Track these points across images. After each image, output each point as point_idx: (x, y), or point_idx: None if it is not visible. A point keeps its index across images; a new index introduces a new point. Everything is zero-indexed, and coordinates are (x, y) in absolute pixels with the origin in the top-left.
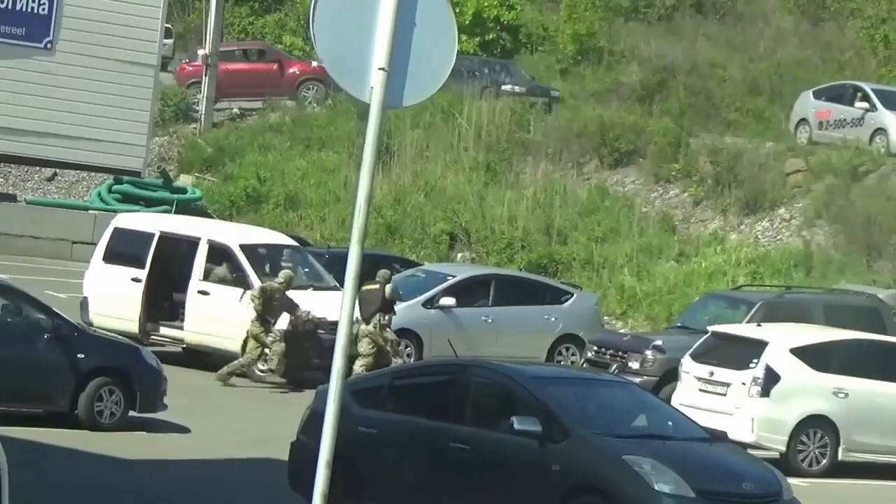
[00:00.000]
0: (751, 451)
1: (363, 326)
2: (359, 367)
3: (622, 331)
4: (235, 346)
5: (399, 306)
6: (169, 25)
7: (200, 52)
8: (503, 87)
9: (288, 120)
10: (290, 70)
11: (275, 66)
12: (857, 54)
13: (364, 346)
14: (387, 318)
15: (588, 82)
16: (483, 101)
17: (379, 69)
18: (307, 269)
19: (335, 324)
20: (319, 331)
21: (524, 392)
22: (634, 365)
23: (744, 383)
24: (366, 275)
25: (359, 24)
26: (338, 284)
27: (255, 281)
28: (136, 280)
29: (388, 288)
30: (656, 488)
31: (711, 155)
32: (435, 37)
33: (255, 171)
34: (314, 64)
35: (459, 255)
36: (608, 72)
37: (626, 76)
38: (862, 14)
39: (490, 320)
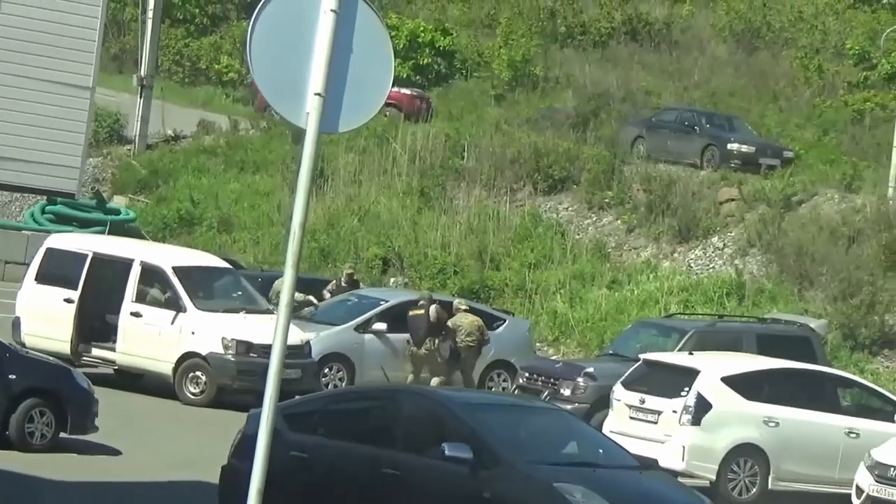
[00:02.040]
0: (681, 480)
1: (415, 350)
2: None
3: (554, 357)
4: (167, 369)
5: (330, 331)
6: None
7: (135, 75)
8: (728, 146)
9: (222, 143)
10: None
11: None
12: (791, 84)
13: (432, 373)
14: (437, 341)
15: (522, 108)
16: (417, 127)
17: (315, 94)
18: (240, 293)
19: (267, 347)
20: (251, 354)
21: (455, 418)
22: (566, 392)
23: (675, 411)
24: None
25: (295, 48)
26: (271, 308)
27: (188, 303)
28: (68, 301)
29: (432, 310)
30: None
31: (645, 182)
32: (371, 63)
33: (189, 193)
34: (394, 90)
35: (392, 279)
36: (543, 98)
37: (561, 103)
38: (796, 44)
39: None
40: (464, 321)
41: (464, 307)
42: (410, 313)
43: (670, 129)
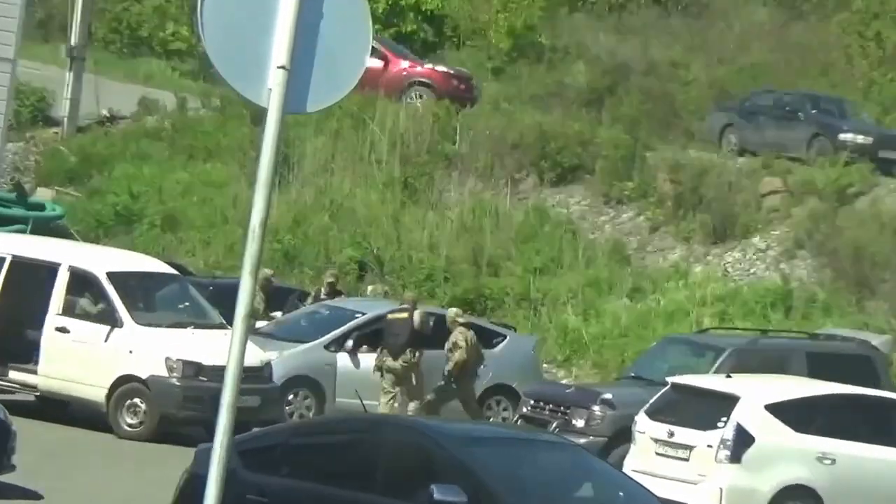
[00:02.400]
0: None
1: (389, 361)
2: (383, 405)
3: (564, 381)
4: (99, 395)
5: (298, 348)
6: None
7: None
8: (840, 137)
9: (168, 125)
10: (398, 68)
11: (380, 63)
12: (844, 54)
13: (387, 383)
14: (417, 354)
15: (526, 84)
16: (400, 106)
17: (279, 67)
18: (187, 304)
19: (220, 369)
20: (201, 377)
21: (446, 455)
22: (579, 422)
23: (710, 446)
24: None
25: (255, 13)
26: (224, 322)
27: (126, 317)
28: None
29: (416, 316)
30: None
31: (672, 172)
32: (345, 30)
33: (128, 185)
34: (428, 65)
35: (370, 287)
36: (549, 72)
37: (571, 77)
38: (849, 7)
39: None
40: (458, 338)
41: (461, 320)
42: (389, 316)
43: (768, 115)
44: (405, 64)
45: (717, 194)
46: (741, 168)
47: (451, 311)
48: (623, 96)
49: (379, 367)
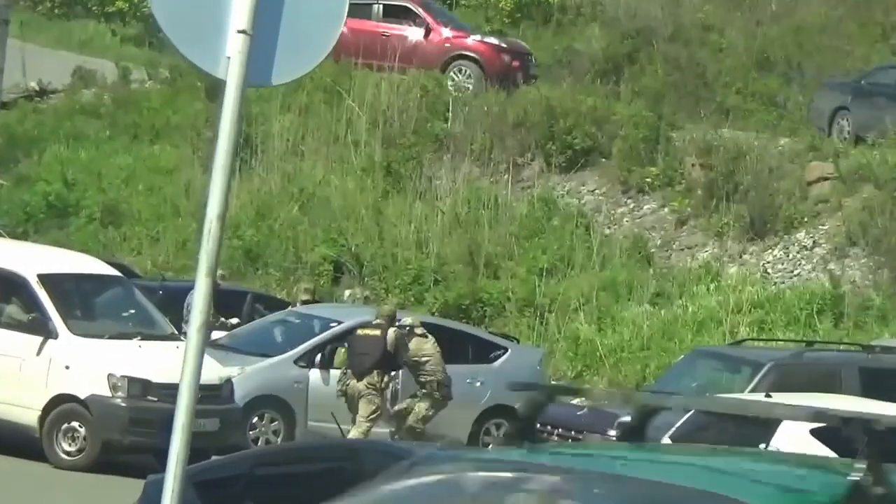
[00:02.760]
0: None
1: (352, 383)
2: (360, 429)
3: (576, 402)
4: (31, 418)
5: (263, 363)
6: None
7: None
8: None
9: (108, 100)
10: (439, 38)
11: (421, 32)
12: None
13: (364, 408)
14: (386, 378)
15: (531, 51)
16: (382, 76)
17: (239, 32)
18: (133, 311)
19: (173, 388)
20: (149, 397)
21: None
22: None
23: None
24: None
25: None
26: (176, 332)
27: (61, 326)
28: None
29: (390, 333)
30: None
31: (703, 155)
32: None
33: (61, 171)
34: (475, 37)
35: (347, 292)
36: (558, 37)
37: (584, 43)
38: None
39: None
40: (425, 348)
41: (419, 331)
42: (359, 331)
43: (890, 96)
44: (448, 33)
45: (755, 182)
46: (783, 151)
47: (410, 320)
48: (645, 65)
49: (343, 392)
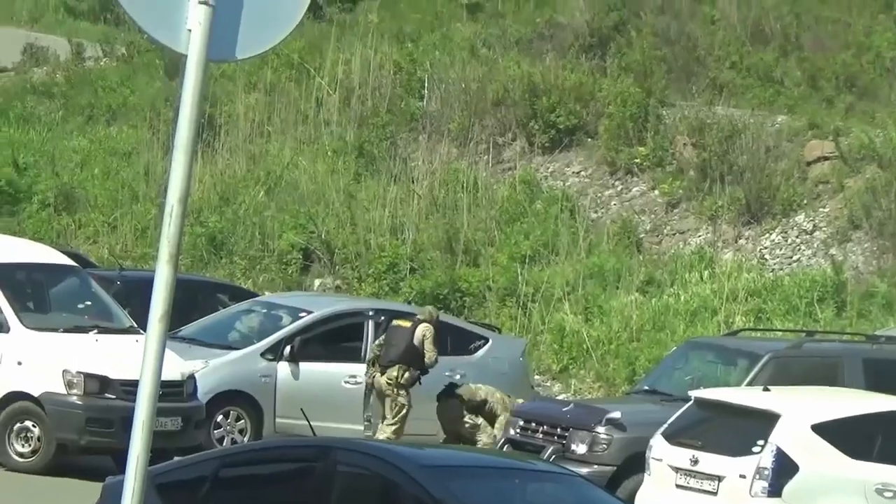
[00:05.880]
0: None
1: (377, 376)
2: (387, 432)
3: (561, 397)
4: None
5: (228, 357)
6: None
7: None
8: None
9: (60, 78)
10: None
11: None
12: None
13: (388, 409)
14: (407, 374)
15: (510, 24)
16: (353, 52)
17: (200, 3)
18: (89, 303)
19: (132, 384)
20: (107, 394)
21: (414, 487)
22: (580, 448)
23: (743, 476)
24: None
25: None
26: (135, 325)
27: (12, 319)
28: None
29: (419, 329)
30: None
31: (695, 134)
32: None
33: (12, 154)
34: None
35: (318, 281)
36: (540, 9)
37: (567, 15)
38: None
39: (353, 380)
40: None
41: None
42: (394, 323)
43: None
44: None
45: (751, 162)
46: (781, 128)
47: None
48: (633, 39)
49: (370, 385)
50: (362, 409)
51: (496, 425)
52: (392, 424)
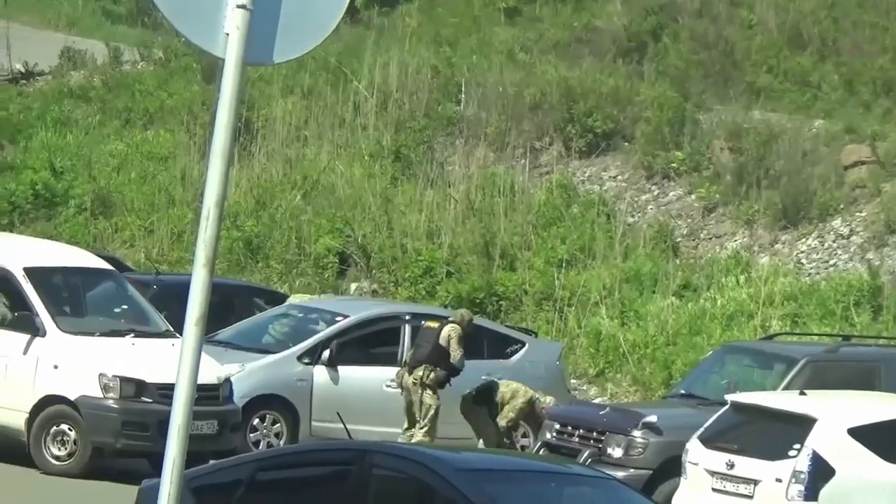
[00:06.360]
0: None
1: (406, 376)
2: (418, 435)
3: (598, 400)
4: (18, 421)
5: (264, 360)
6: None
7: None
8: None
9: (98, 82)
10: None
11: None
12: None
13: (419, 411)
14: (432, 375)
15: (547, 29)
16: (391, 57)
17: (238, 7)
18: (125, 307)
19: (168, 388)
20: (143, 398)
21: (451, 491)
22: (616, 452)
23: (779, 480)
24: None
25: None
26: (171, 329)
27: (49, 323)
28: None
29: (446, 329)
30: None
31: (731, 138)
32: None
33: (49, 158)
34: None
35: (354, 285)
36: (577, 13)
37: (604, 20)
38: None
39: (394, 384)
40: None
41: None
42: (424, 324)
43: None
44: None
45: (788, 166)
46: (818, 133)
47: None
48: (670, 43)
49: (400, 385)
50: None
51: (505, 410)
52: (423, 427)
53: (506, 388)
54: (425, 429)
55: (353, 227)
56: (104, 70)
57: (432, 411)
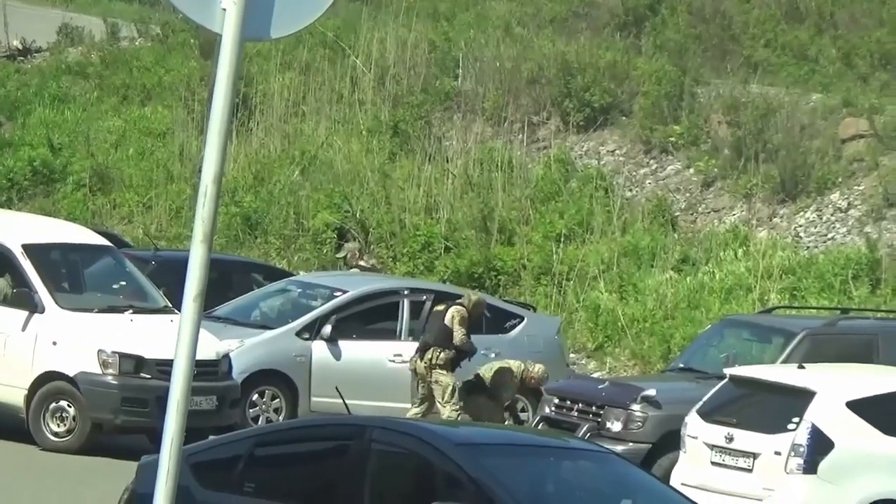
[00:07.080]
0: None
1: (418, 361)
2: (446, 413)
3: (596, 374)
4: (17, 397)
5: (263, 336)
6: None
7: None
8: None
9: (95, 59)
10: None
11: None
12: None
13: (437, 394)
14: (442, 355)
15: (545, 3)
16: (388, 31)
17: None
18: (124, 283)
19: (167, 364)
20: (142, 374)
21: (450, 465)
22: (615, 426)
23: (778, 453)
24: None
25: None
26: (170, 305)
27: (47, 299)
28: None
29: (450, 311)
30: None
31: (729, 112)
32: None
33: (47, 134)
34: None
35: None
36: None
37: None
38: None
39: (398, 358)
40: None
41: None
42: (434, 308)
43: None
44: None
45: (785, 140)
46: (815, 107)
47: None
48: (667, 17)
49: (414, 371)
50: (411, 392)
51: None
52: (452, 407)
53: (486, 372)
54: (452, 406)
55: (352, 202)
56: (102, 46)
57: (450, 389)
